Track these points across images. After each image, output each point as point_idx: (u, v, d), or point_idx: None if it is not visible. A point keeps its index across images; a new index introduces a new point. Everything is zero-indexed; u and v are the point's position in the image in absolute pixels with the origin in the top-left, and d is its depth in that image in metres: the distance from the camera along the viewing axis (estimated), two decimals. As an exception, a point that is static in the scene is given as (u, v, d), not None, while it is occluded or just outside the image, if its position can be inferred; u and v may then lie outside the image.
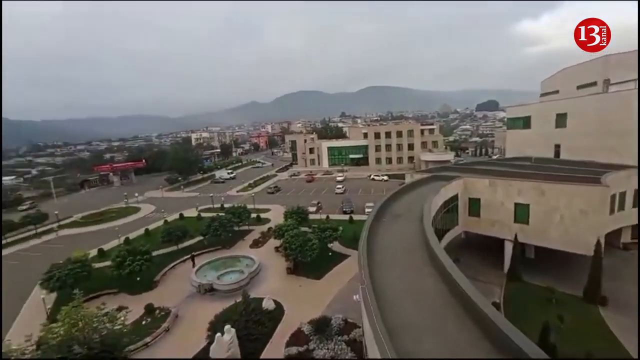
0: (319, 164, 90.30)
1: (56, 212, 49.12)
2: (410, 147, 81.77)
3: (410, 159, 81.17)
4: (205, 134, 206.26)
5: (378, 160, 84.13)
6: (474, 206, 26.02)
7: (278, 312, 21.60)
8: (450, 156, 73.29)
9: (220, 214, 37.69)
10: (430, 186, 25.55)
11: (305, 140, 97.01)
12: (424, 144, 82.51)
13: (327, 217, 41.09)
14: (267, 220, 42.96)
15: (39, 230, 45.46)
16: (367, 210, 41.21)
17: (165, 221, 45.01)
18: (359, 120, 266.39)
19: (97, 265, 29.62)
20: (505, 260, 24.96)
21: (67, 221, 49.80)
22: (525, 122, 39.52)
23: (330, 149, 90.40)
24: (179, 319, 21.95)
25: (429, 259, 13.59)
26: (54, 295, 25.06)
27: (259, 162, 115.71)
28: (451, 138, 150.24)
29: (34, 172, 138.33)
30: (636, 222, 24.58)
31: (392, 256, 14.65)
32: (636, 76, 27.85)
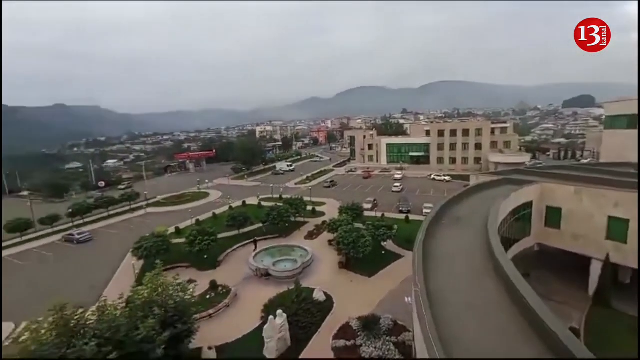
0: (377, 160, 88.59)
1: (145, 193, 57.16)
2: (478, 146, 75.05)
3: (477, 159, 74.60)
4: (268, 128, 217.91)
5: (440, 160, 79.18)
6: (553, 216, 22.95)
7: (328, 304, 22.07)
8: (525, 158, 65.41)
9: (279, 204, 39.59)
10: (499, 190, 23.30)
11: (364, 136, 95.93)
12: (494, 144, 74.91)
13: (383, 215, 40.31)
14: (322, 214, 43.83)
15: (133, 206, 53.61)
16: (425, 211, 39.31)
17: (230, 207, 48.98)
18: (421, 117, 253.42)
19: (174, 241, 33.65)
20: (590, 281, 21.61)
21: (153, 201, 57.56)
22: (631, 121, 33.17)
23: (389, 145, 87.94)
24: (238, 298, 23.89)
25: (492, 270, 12.50)
26: (141, 262, 29.30)
27: (318, 156, 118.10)
28: (528, 138, 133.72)
29: (131, 157, 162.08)
30: None
31: (451, 262, 13.82)
32: None
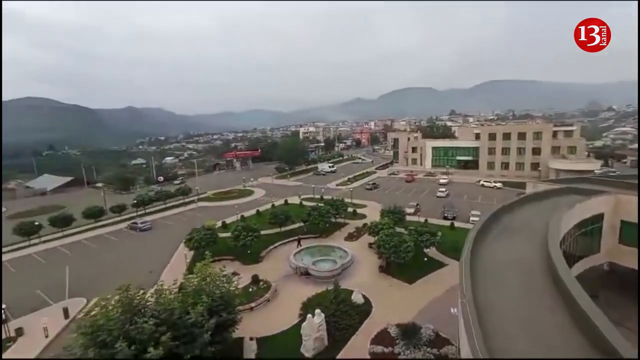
0: (421, 164, 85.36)
1: (197, 188, 61.64)
2: (536, 151, 68.49)
3: (535, 165, 68.12)
4: (311, 129, 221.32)
5: (490, 165, 73.77)
6: (630, 232, 20.16)
7: (366, 308, 21.80)
8: (593, 165, 58.27)
9: (320, 205, 40.05)
10: (561, 200, 21.10)
11: (408, 139, 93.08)
12: (555, 149, 67.76)
13: (426, 220, 38.78)
14: (363, 216, 43.41)
15: (186, 200, 58.09)
16: (472, 218, 37.02)
17: (273, 205, 50.71)
18: (470, 119, 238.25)
19: (221, 234, 35.78)
20: (675, 310, 18.54)
21: (203, 196, 61.78)
22: None
23: (434, 149, 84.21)
24: (278, 293, 24.65)
25: (552, 286, 11.37)
26: (191, 253, 31.64)
27: (360, 158, 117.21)
28: (599, 143, 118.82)
29: (185, 155, 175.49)
30: None
31: (502, 275, 12.84)
32: None
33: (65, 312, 22.80)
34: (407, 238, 26.50)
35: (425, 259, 28.33)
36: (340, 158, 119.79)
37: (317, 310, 18.34)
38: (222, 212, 49.46)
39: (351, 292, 22.60)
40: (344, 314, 19.90)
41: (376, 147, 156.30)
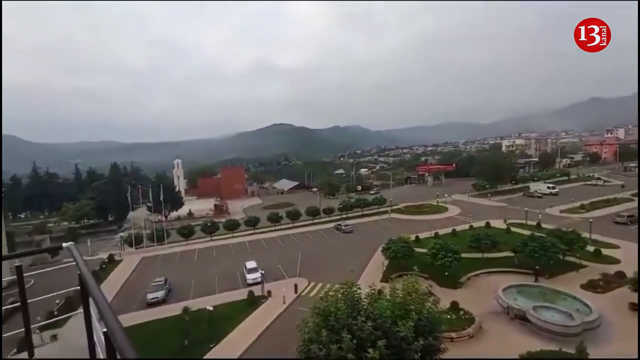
0: None
1: (391, 199, 64.72)
2: None
3: None
4: (519, 141, 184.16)
5: None
6: None
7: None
8: None
9: (539, 234, 31.86)
10: None
11: None
12: None
13: None
14: (614, 261, 30.81)
15: (380, 210, 62.30)
16: None
17: (471, 226, 45.23)
18: None
19: (415, 249, 35.43)
20: None
21: (395, 207, 64.00)
22: None
23: None
24: (483, 332, 21.20)
25: None
26: (386, 262, 33.05)
27: (598, 178, 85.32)
28: None
29: (377, 167, 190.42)
30: None
31: None
32: None
33: (295, 287, 29.34)
34: None
35: None
36: (565, 177, 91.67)
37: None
38: (413, 225, 49.14)
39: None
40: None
41: (631, 165, 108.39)
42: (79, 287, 2.25)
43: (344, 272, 31.79)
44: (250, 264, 34.10)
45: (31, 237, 55.88)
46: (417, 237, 41.20)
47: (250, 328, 23.92)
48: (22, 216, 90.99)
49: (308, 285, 30.64)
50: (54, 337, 22.36)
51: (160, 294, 29.52)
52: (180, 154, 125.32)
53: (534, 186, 73.37)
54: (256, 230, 53.93)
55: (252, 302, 27.28)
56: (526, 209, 49.37)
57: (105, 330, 1.40)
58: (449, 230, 44.53)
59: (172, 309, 26.81)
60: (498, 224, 46.10)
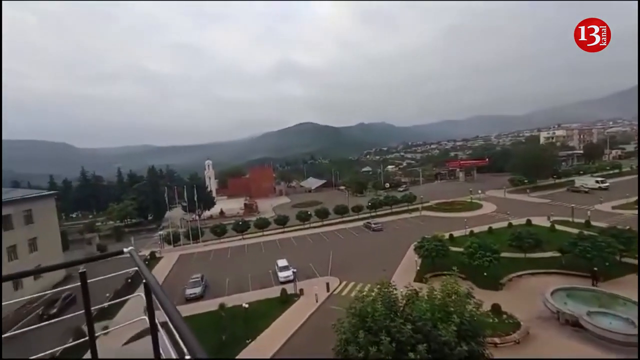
0: None
1: (421, 197, 62.81)
2: None
3: None
4: (559, 132, 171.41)
5: None
6: None
7: None
8: None
9: (590, 233, 29.34)
10: None
11: None
12: None
13: None
14: (681, 263, 27.55)
15: (409, 207, 60.70)
16: None
17: (510, 224, 42.73)
18: None
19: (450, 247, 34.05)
20: None
21: (426, 204, 62.01)
22: None
23: None
24: (530, 338, 19.84)
25: None
26: (419, 261, 32.04)
27: (657, 170, 77.22)
28: None
29: (404, 164, 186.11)
30: None
31: None
32: None
33: (327, 286, 29.26)
34: None
35: None
36: (616, 170, 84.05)
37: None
38: (446, 223, 47.34)
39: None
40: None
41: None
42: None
43: (376, 271, 31.23)
44: (282, 262, 34.50)
45: (82, 235, 60.41)
46: (451, 235, 39.64)
47: (284, 326, 24.17)
48: (74, 216, 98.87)
49: (340, 284, 30.44)
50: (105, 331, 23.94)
51: (197, 290, 30.70)
52: (209, 155, 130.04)
53: (580, 180, 67.91)
54: (286, 229, 54.58)
55: (285, 300, 27.57)
56: (572, 205, 45.87)
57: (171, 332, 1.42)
58: (485, 228, 42.40)
59: (209, 305, 27.76)
60: (540, 221, 43.18)
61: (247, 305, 24.89)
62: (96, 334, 2.87)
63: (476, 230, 41.86)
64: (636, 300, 21.86)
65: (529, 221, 43.07)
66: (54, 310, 28.47)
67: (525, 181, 72.33)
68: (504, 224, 43.94)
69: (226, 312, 25.07)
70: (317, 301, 27.11)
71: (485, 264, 26.57)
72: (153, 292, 1.95)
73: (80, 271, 2.68)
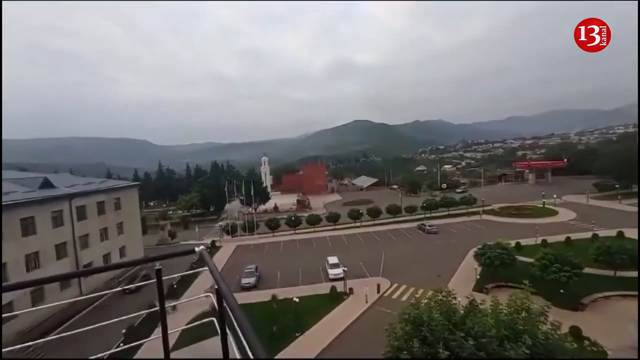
0: None
1: (483, 199, 57.82)
2: None
3: None
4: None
5: None
6: None
7: None
8: None
9: None
10: None
11: None
12: None
13: None
14: None
15: (469, 210, 56.24)
16: None
17: (595, 235, 36.98)
18: None
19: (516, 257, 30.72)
20: None
21: (488, 208, 56.88)
22: None
23: None
24: (620, 370, 16.89)
25: None
26: (479, 269, 29.45)
27: None
28: None
29: (462, 163, 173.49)
30: None
31: None
32: None
33: (378, 287, 28.55)
34: None
35: None
36: None
37: None
38: (512, 230, 42.91)
39: None
40: None
41: None
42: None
43: (430, 276, 29.60)
44: (332, 259, 34.59)
45: (157, 222, 68.19)
46: (517, 243, 35.70)
47: (333, 323, 24.19)
48: (151, 204, 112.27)
49: (391, 286, 29.48)
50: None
51: (252, 279, 32.39)
52: (266, 152, 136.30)
53: (693, 187, 55.82)
54: (337, 226, 54.69)
55: (335, 298, 27.58)
56: (682, 216, 37.87)
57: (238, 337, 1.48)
58: (561, 238, 37.40)
59: (262, 295, 29.11)
60: (635, 234, 36.47)
61: (297, 300, 25.48)
62: (169, 332, 2.97)
63: (550, 239, 37.17)
64: None
65: (620, 233, 36.81)
66: (132, 287, 32.54)
67: (617, 186, 61.92)
68: (587, 234, 38.28)
69: (277, 304, 26.00)
70: (366, 302, 26.62)
71: (563, 279, 23.32)
72: (224, 297, 1.89)
73: (156, 268, 2.80)
